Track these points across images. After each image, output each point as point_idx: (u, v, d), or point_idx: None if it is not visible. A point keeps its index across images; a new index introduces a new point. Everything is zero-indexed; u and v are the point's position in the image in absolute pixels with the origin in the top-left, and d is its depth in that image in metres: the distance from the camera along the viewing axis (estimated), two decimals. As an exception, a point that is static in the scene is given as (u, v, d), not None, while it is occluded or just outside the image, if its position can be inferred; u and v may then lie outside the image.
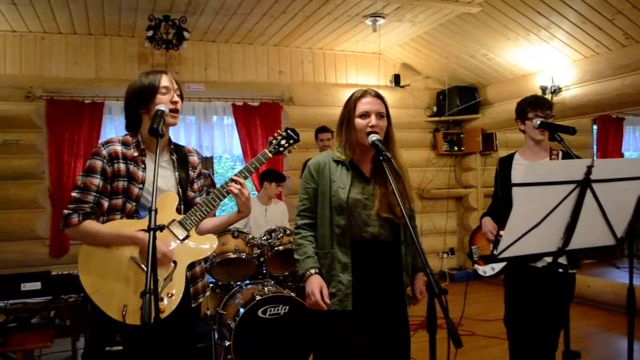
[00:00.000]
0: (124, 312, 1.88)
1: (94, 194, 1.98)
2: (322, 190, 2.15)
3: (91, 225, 1.96)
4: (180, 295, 1.99)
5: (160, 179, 1.99)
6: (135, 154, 2.06)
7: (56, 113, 5.15)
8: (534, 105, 2.77)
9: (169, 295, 1.96)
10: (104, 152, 2.01)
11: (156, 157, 1.83)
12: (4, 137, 5.07)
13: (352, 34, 5.79)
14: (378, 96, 2.13)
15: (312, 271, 2.09)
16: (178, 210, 2.10)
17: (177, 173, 2.16)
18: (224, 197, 2.11)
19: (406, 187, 2.02)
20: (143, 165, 2.07)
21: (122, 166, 2.02)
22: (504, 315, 3.03)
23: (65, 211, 1.97)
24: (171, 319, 1.93)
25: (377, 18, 5.11)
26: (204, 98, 5.77)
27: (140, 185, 2.04)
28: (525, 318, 2.92)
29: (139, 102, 2.05)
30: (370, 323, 2.13)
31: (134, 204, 2.03)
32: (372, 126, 2.07)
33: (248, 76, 6.00)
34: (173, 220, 2.06)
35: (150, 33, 4.97)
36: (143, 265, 1.94)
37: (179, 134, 5.75)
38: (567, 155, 2.74)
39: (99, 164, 2.00)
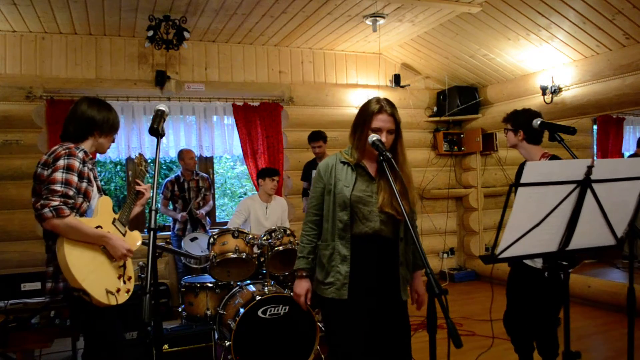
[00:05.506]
0: (111, 295, 2.28)
1: (74, 189, 2.25)
2: (328, 189, 2.33)
3: (76, 219, 2.22)
4: (134, 277, 2.55)
5: (96, 184, 2.46)
6: (86, 158, 2.38)
7: (56, 113, 5.15)
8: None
9: (129, 278, 2.48)
10: (80, 155, 2.32)
11: (156, 157, 1.93)
12: (4, 137, 5.08)
13: (352, 34, 5.79)
14: (393, 114, 2.30)
15: (304, 273, 2.38)
16: (113, 211, 2.53)
17: (99, 182, 2.54)
18: (137, 196, 2.65)
19: (408, 189, 2.20)
20: (92, 172, 2.44)
21: (86, 169, 2.36)
22: (504, 315, 3.08)
23: (54, 203, 2.15)
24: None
25: (377, 18, 5.10)
26: (204, 98, 5.77)
27: (93, 188, 2.41)
28: (522, 317, 2.99)
29: (105, 128, 2.47)
30: (369, 314, 2.26)
31: (88, 204, 2.37)
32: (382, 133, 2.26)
33: (248, 76, 6.00)
34: (114, 219, 2.49)
35: (151, 33, 4.97)
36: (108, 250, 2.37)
37: (179, 134, 5.75)
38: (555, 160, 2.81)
39: (76, 164, 2.29)
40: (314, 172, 4.63)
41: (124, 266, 2.48)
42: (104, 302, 2.24)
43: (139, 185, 2.68)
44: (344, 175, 2.31)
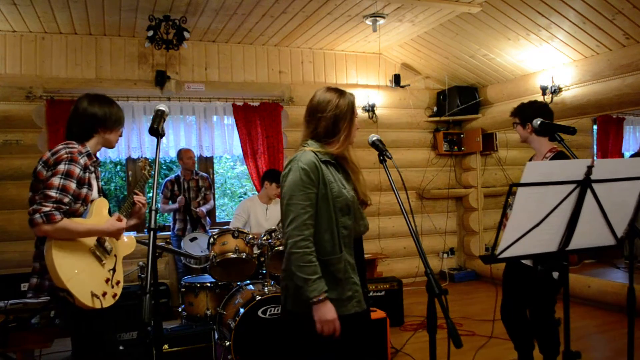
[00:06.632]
0: (96, 298, 2.24)
1: (70, 197, 2.22)
2: (322, 194, 2.04)
3: (68, 222, 2.19)
4: (123, 281, 2.50)
5: (95, 185, 2.42)
6: (89, 163, 2.36)
7: (56, 113, 5.15)
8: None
9: (117, 283, 2.44)
10: (81, 162, 2.29)
11: (156, 157, 1.93)
12: (4, 137, 5.07)
13: (352, 34, 5.79)
14: None
15: (326, 295, 1.97)
16: (109, 213, 2.51)
17: (100, 182, 2.53)
18: (134, 204, 2.57)
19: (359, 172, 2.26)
20: (93, 174, 2.42)
21: (87, 175, 2.34)
22: (501, 307, 3.14)
23: (45, 209, 2.12)
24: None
25: (377, 18, 5.10)
26: (204, 98, 5.77)
27: (92, 192, 2.39)
28: (518, 310, 3.03)
29: (109, 124, 2.42)
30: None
31: (85, 207, 2.35)
32: (357, 128, 2.24)
33: (248, 76, 6.00)
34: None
35: (151, 33, 4.97)
36: (98, 254, 2.36)
37: (179, 134, 5.75)
38: (559, 157, 2.81)
39: (77, 171, 2.26)
40: None
41: (114, 270, 2.44)
42: (88, 305, 2.20)
43: (137, 195, 2.61)
44: (331, 176, 2.08)
